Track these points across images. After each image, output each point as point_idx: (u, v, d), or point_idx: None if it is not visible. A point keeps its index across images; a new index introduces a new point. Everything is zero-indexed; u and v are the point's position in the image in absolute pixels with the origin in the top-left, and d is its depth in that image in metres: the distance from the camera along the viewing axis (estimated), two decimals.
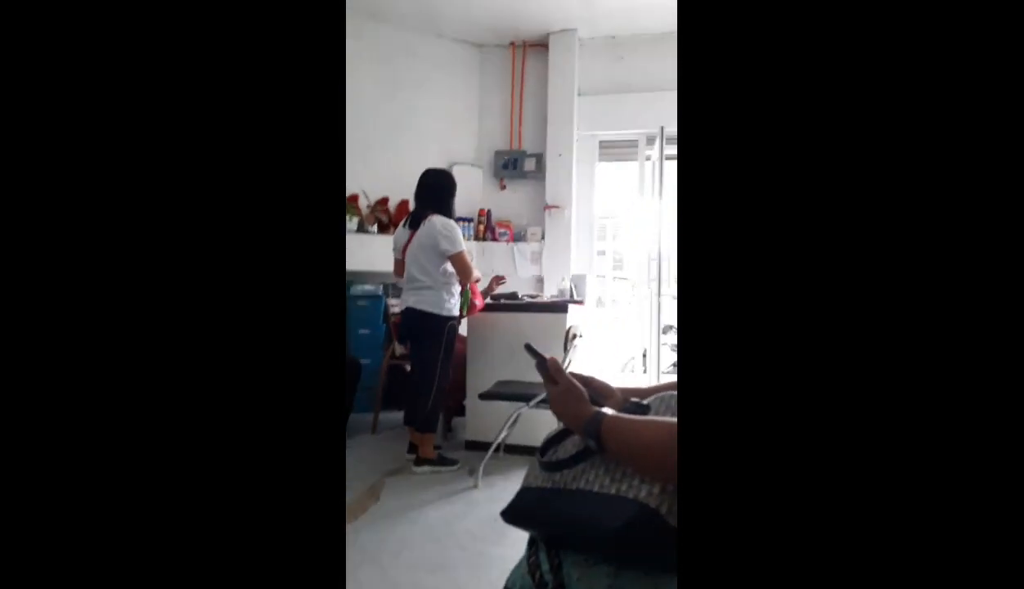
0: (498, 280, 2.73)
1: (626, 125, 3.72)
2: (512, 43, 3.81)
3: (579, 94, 3.70)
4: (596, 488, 0.63)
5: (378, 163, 3.47)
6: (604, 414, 0.66)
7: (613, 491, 0.61)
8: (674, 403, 0.71)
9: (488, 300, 2.66)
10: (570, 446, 0.71)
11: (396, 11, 3.44)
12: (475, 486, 2.19)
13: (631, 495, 0.59)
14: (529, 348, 0.79)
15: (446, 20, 3.57)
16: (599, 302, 3.76)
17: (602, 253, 4.09)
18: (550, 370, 0.73)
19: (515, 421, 2.30)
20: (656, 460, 0.59)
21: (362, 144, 3.44)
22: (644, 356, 3.67)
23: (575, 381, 0.72)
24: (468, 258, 2.35)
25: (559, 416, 0.71)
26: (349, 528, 1.80)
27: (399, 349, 2.86)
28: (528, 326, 2.50)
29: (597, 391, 0.81)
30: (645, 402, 0.73)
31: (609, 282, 4.14)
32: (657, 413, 0.70)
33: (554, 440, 0.74)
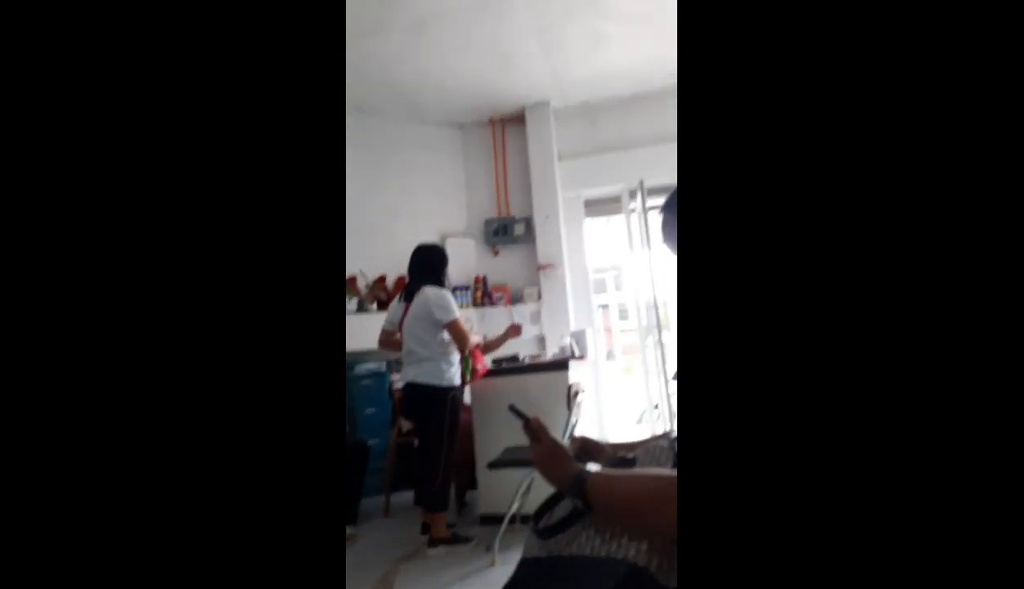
0: (515, 330, 2.68)
1: (607, 182, 3.85)
2: (491, 119, 4.03)
3: (559, 158, 3.87)
4: (588, 551, 0.62)
5: (374, 244, 3.58)
6: (588, 472, 0.65)
7: (603, 553, 0.59)
8: (660, 453, 0.70)
9: (490, 365, 2.65)
10: (561, 510, 0.69)
11: (381, 105, 3.69)
12: (492, 564, 2.08)
13: (620, 555, 0.57)
14: (513, 409, 0.79)
15: (428, 108, 3.82)
16: (609, 355, 3.73)
17: (605, 306, 4.11)
18: (534, 430, 0.73)
19: (528, 489, 2.22)
20: (641, 513, 0.57)
21: (357, 228, 3.55)
22: (656, 407, 3.59)
23: (558, 441, 0.71)
24: (464, 325, 2.37)
25: (545, 476, 0.70)
26: None
27: (405, 425, 2.82)
28: (531, 387, 2.47)
29: (589, 450, 0.80)
30: (631, 456, 0.72)
31: (617, 334, 4.13)
32: (643, 465, 0.69)
33: (547, 505, 0.73)
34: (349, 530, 2.49)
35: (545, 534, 0.68)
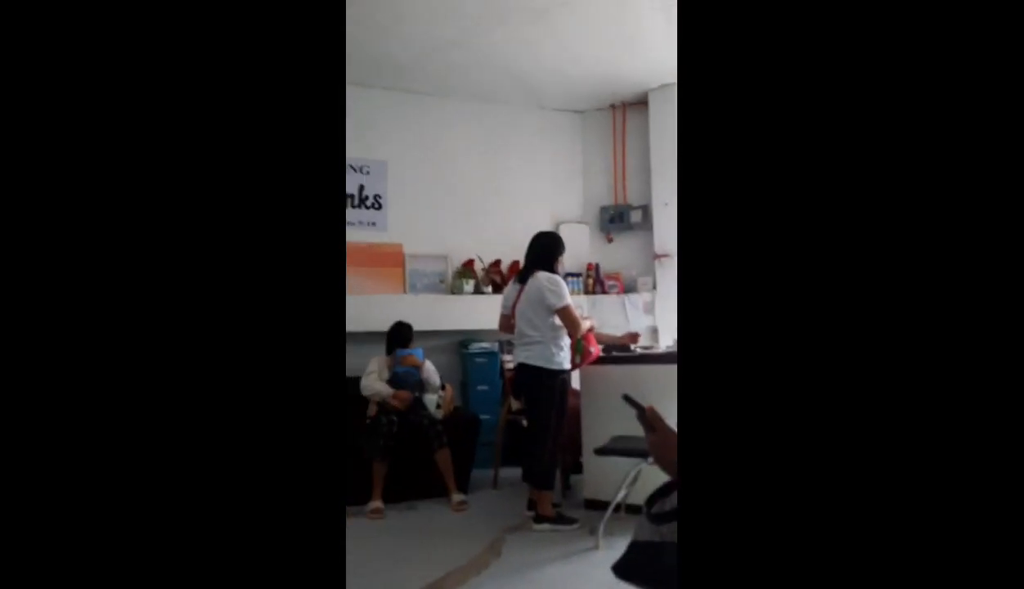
0: (632, 337, 2.73)
1: None
2: (612, 105, 3.95)
3: None
4: None
5: (489, 229, 3.74)
6: None
7: None
8: None
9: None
10: (675, 498, 0.70)
11: (500, 91, 3.80)
12: (596, 547, 2.12)
13: None
14: (627, 398, 0.81)
15: (547, 94, 3.85)
16: None
17: None
18: (648, 419, 0.74)
19: (635, 479, 2.21)
20: None
21: (475, 212, 3.75)
22: None
23: (674, 430, 0.72)
24: (575, 311, 2.40)
25: (659, 464, 0.72)
26: (471, 583, 1.84)
27: (515, 404, 2.94)
28: (642, 378, 2.44)
29: None
30: None
31: None
32: None
33: (661, 492, 0.74)
34: (460, 497, 2.68)
35: (659, 519, 0.69)
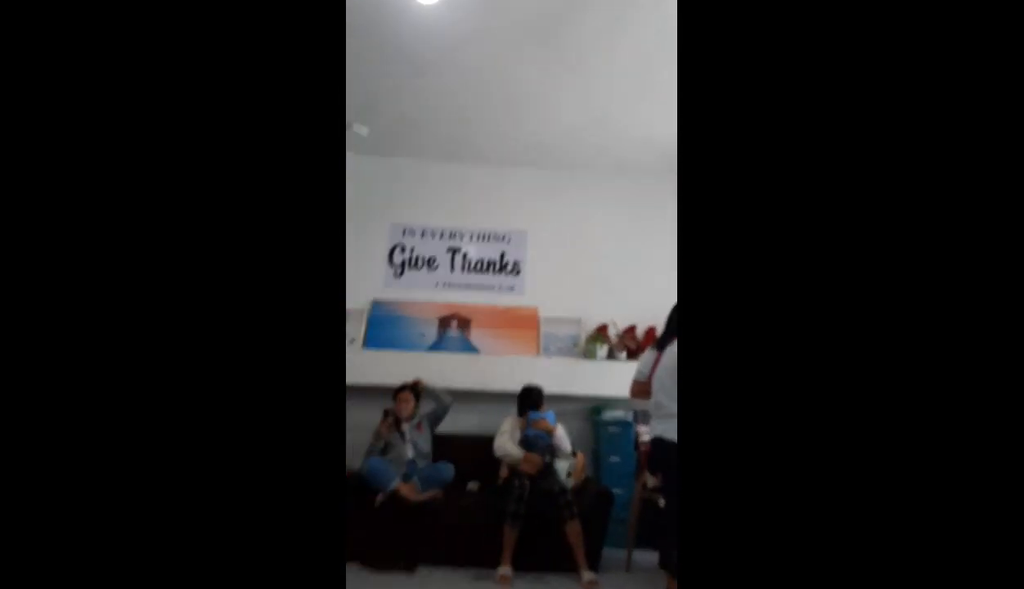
0: None
1: None
2: None
3: None
4: None
5: (624, 294, 3.70)
6: None
7: None
8: None
9: None
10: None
11: (640, 162, 3.87)
12: None
13: None
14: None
15: None
16: None
17: None
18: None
19: None
20: None
21: (609, 277, 3.76)
22: None
23: None
24: None
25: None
26: None
27: (651, 481, 2.74)
28: None
29: None
30: None
31: None
32: None
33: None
34: (591, 576, 2.52)
35: None
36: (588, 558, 2.58)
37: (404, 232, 3.82)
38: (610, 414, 3.38)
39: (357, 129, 3.40)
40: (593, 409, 3.51)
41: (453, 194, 3.89)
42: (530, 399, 2.99)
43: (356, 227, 3.77)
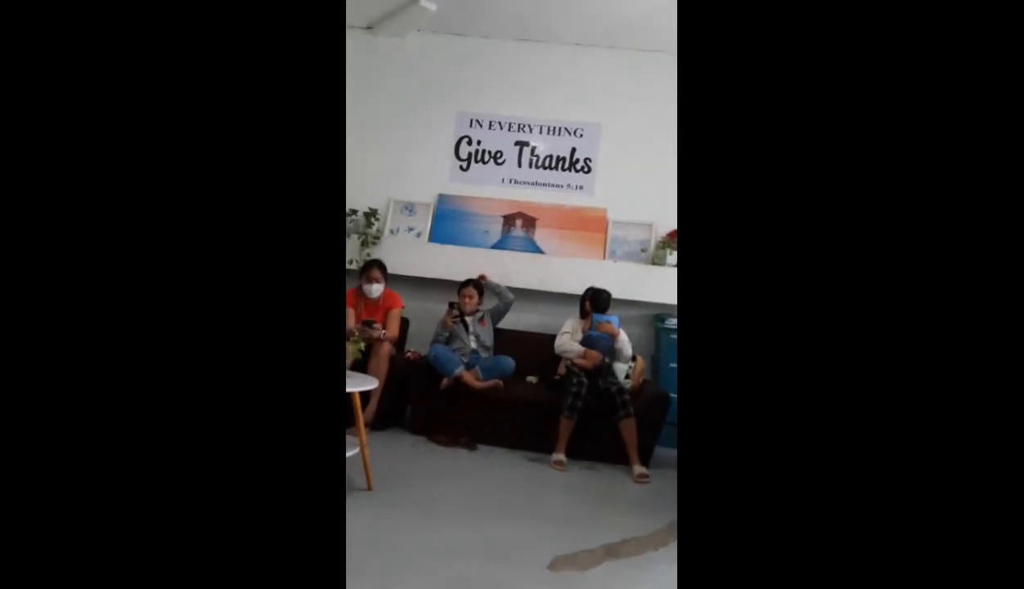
0: None
1: None
2: None
3: None
4: None
5: None
6: None
7: None
8: None
9: None
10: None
11: None
12: None
13: None
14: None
15: None
16: None
17: None
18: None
19: None
20: None
21: None
22: None
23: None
24: None
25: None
26: (648, 556, 1.78)
27: None
28: None
29: None
30: None
31: None
32: None
33: None
34: (642, 469, 2.62)
35: None
36: (640, 454, 2.67)
37: (471, 122, 3.65)
38: (672, 321, 3.31)
39: (424, 3, 3.15)
40: (657, 316, 3.45)
41: (524, 79, 3.62)
42: (599, 302, 2.96)
43: (422, 114, 3.64)
